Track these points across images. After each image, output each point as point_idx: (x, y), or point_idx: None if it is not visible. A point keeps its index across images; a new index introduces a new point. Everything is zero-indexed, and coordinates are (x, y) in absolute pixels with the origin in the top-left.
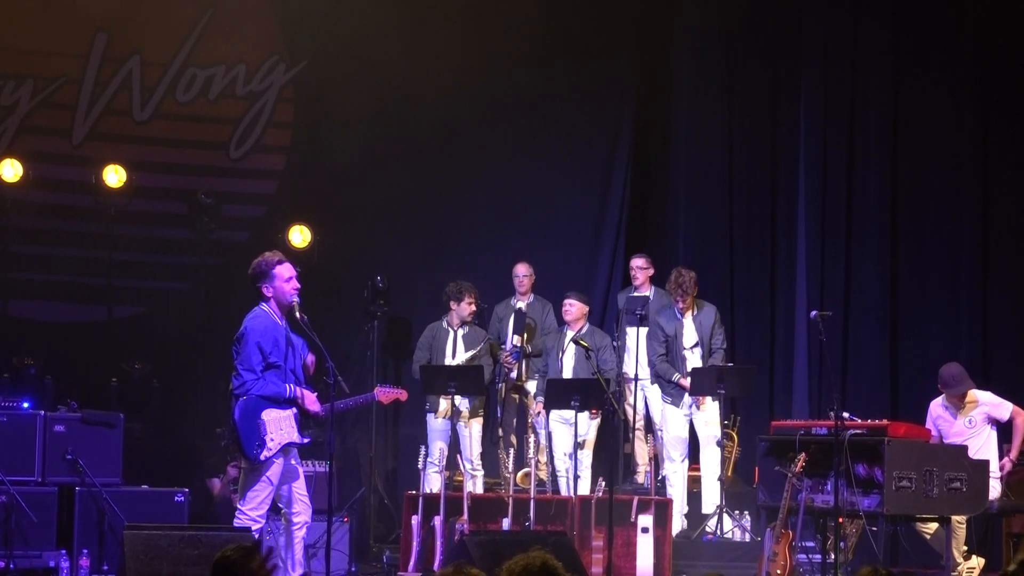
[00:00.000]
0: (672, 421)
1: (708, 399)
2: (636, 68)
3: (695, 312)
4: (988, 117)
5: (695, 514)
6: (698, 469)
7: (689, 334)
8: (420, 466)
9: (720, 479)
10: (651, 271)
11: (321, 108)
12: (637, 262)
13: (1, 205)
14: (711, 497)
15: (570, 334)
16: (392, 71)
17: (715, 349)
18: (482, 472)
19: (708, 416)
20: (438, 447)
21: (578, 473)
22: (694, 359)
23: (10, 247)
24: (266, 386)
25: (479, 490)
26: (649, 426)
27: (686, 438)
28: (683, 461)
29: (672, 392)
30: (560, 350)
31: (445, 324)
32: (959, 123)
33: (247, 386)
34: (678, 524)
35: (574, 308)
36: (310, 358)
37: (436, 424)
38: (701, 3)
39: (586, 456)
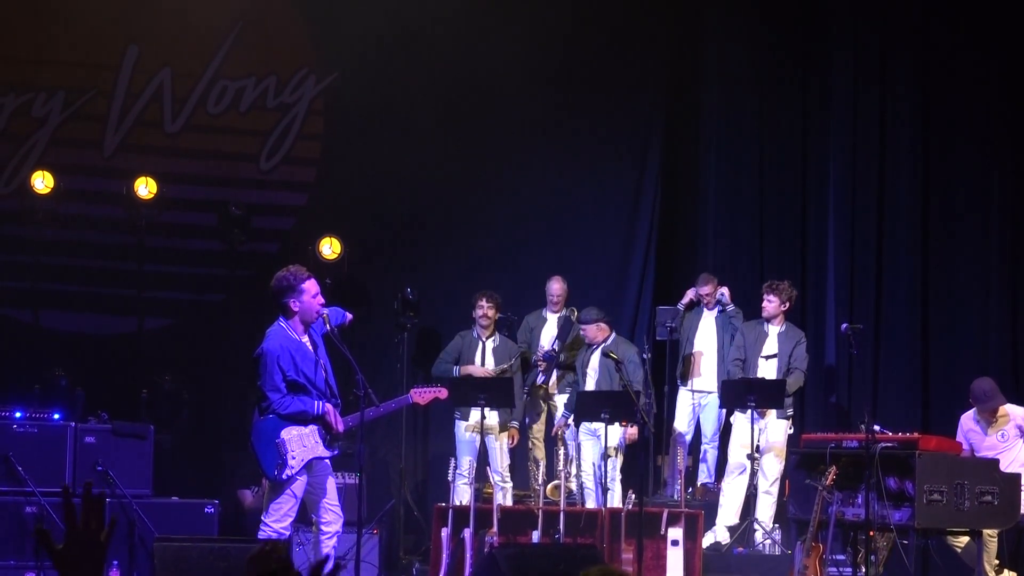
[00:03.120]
0: (739, 430)
1: (773, 412)
2: (665, 82)
3: (782, 328)
4: (1019, 128)
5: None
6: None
7: (770, 344)
8: (450, 478)
9: (768, 492)
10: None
11: (351, 120)
12: (704, 288)
13: (32, 217)
14: (765, 508)
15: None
16: (422, 83)
17: (794, 368)
18: (511, 484)
19: (771, 429)
20: (466, 460)
21: (607, 485)
22: (767, 369)
23: (41, 259)
24: (294, 403)
25: (508, 502)
26: (696, 439)
27: (750, 448)
28: (742, 473)
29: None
30: (584, 364)
31: (475, 334)
32: (989, 134)
33: (275, 405)
34: (724, 535)
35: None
36: (348, 317)
37: (464, 436)
38: (730, 16)
39: (615, 464)
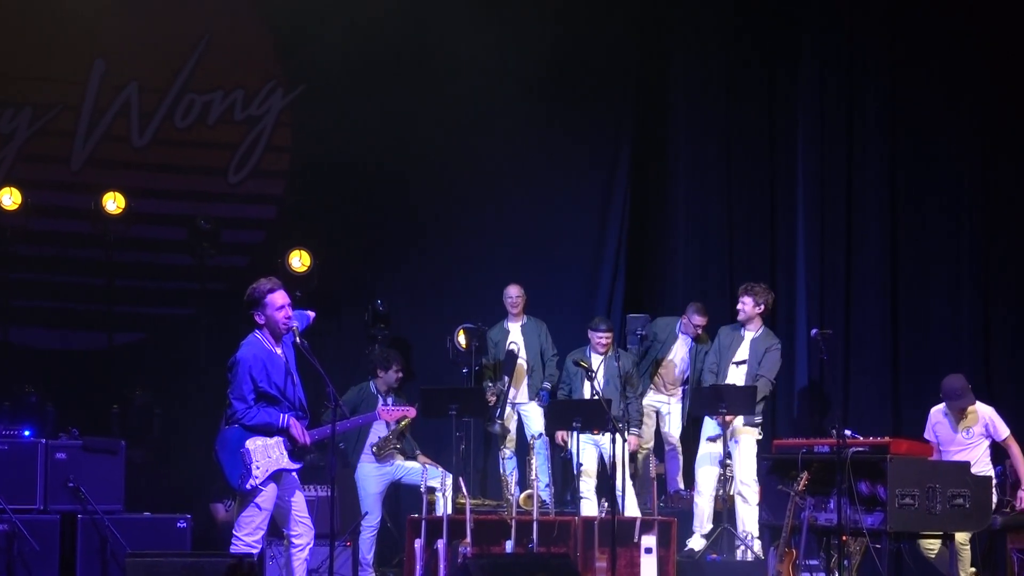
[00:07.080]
0: (708, 440)
1: (740, 419)
2: (633, 88)
3: (758, 332)
4: (989, 131)
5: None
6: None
7: (742, 350)
8: (422, 489)
9: (747, 502)
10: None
11: (319, 132)
12: (699, 320)
13: (0, 233)
14: (750, 520)
15: (598, 359)
16: (390, 95)
17: (760, 375)
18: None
19: (740, 438)
20: (374, 517)
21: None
22: (737, 375)
23: (10, 275)
24: (259, 415)
25: (449, 510)
26: (659, 446)
27: (718, 454)
28: (713, 484)
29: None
30: (586, 373)
31: (373, 388)
32: (959, 137)
33: (239, 415)
34: (698, 543)
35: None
36: (311, 316)
37: (370, 494)
38: (697, 20)
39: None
